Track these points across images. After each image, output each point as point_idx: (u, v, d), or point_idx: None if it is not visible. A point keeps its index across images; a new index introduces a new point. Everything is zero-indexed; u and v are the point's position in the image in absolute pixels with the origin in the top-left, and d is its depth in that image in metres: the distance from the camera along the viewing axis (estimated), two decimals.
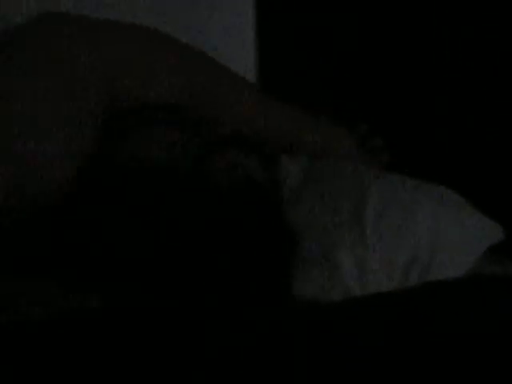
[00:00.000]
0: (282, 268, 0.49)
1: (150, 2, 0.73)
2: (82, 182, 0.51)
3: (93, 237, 0.48)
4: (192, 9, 0.76)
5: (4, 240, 0.49)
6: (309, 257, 0.55)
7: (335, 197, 0.59)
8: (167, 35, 0.59)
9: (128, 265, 0.47)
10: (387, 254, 0.58)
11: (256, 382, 0.36)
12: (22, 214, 0.49)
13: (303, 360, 0.37)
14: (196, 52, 0.60)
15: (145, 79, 0.55)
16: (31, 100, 0.50)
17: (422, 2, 0.77)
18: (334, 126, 0.68)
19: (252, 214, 0.49)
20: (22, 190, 0.49)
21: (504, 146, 0.73)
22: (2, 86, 0.49)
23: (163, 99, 0.55)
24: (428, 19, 0.75)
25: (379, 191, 0.59)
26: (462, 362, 0.35)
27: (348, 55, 0.77)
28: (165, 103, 0.54)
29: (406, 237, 0.58)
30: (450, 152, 0.74)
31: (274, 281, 0.49)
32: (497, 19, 0.73)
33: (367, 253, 0.57)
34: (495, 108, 0.73)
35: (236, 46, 0.77)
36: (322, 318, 0.41)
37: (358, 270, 0.57)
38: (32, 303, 0.44)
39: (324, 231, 0.57)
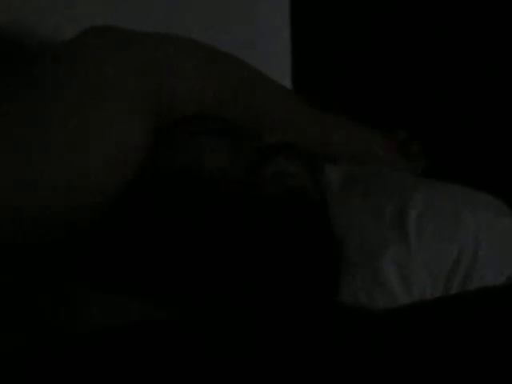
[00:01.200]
0: (330, 273, 0.50)
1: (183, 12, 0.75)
2: (131, 192, 0.52)
3: (145, 248, 0.49)
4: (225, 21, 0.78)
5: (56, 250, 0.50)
6: (352, 261, 0.56)
7: (377, 202, 0.59)
8: (212, 46, 0.60)
9: (184, 275, 0.48)
10: (430, 259, 0.58)
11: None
12: (72, 223, 0.51)
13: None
14: (238, 61, 0.60)
15: (192, 90, 0.56)
16: (81, 113, 0.51)
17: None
18: (372, 131, 0.68)
19: (300, 221, 0.49)
20: (70, 197, 0.51)
21: None
22: (53, 96, 0.51)
23: (209, 109, 0.57)
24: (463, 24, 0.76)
25: (422, 196, 0.60)
26: None
27: (385, 62, 0.78)
28: (210, 113, 0.56)
29: (450, 242, 0.58)
30: (486, 157, 0.75)
31: (323, 286, 0.49)
32: None
33: (410, 257, 0.58)
34: None
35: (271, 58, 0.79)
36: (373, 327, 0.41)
37: (402, 274, 0.58)
38: (107, 314, 0.45)
39: (367, 236, 0.58)
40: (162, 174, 0.51)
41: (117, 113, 0.52)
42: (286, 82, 0.77)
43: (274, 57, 0.78)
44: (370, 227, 0.58)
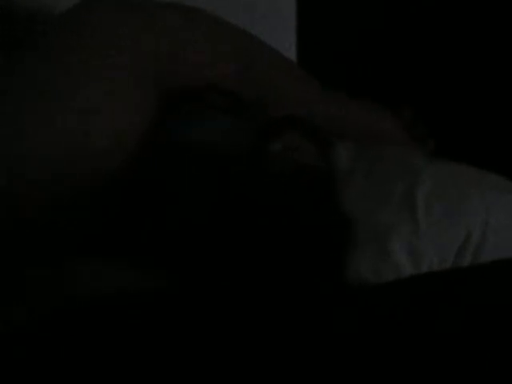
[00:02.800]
0: (337, 251, 0.49)
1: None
2: (138, 166, 0.51)
3: (152, 221, 0.49)
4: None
5: (63, 222, 0.49)
6: (360, 240, 0.55)
7: (386, 180, 0.59)
8: (220, 18, 0.59)
9: (188, 248, 0.47)
10: (439, 237, 0.58)
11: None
12: (78, 196, 0.50)
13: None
14: (248, 35, 0.59)
15: (201, 61, 0.55)
16: (90, 81, 0.49)
17: None
18: (379, 108, 0.68)
19: (308, 197, 0.49)
20: (77, 170, 0.50)
21: None
22: (59, 64, 0.50)
23: (215, 82, 0.56)
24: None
25: (430, 176, 0.59)
26: None
27: (389, 39, 0.77)
28: (217, 86, 0.55)
29: (458, 222, 0.58)
30: (495, 138, 0.74)
31: (330, 264, 0.49)
32: None
33: (419, 237, 0.57)
34: None
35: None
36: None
37: (410, 253, 0.57)
38: (107, 285, 0.45)
39: (375, 215, 0.57)
40: (169, 149, 0.50)
41: (121, 80, 0.51)
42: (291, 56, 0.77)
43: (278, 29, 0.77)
44: (379, 206, 0.57)
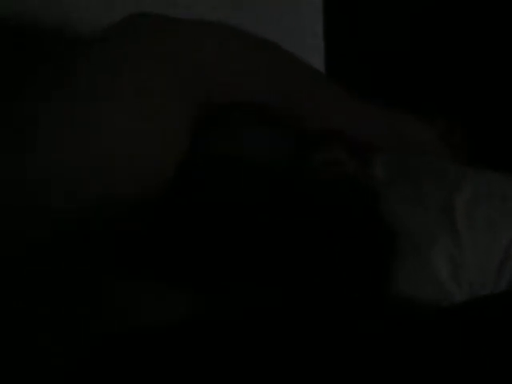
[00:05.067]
0: (385, 264, 0.49)
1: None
2: (175, 183, 0.51)
3: (192, 238, 0.48)
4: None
5: (102, 242, 0.49)
6: (401, 253, 0.54)
7: (424, 191, 0.58)
8: (253, 34, 0.59)
9: (231, 266, 0.46)
10: (480, 250, 0.57)
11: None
12: (117, 216, 0.49)
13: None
14: (283, 50, 0.59)
15: (238, 78, 0.55)
16: (131, 97, 0.48)
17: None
18: (413, 119, 0.67)
19: (353, 210, 0.48)
20: (114, 191, 0.49)
21: None
22: (103, 82, 0.49)
23: (255, 98, 0.55)
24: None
25: (470, 186, 0.58)
26: None
27: (423, 49, 0.77)
28: (256, 102, 0.54)
29: (500, 232, 0.57)
30: None
31: (376, 277, 0.48)
32: None
33: (460, 249, 0.57)
34: None
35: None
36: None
37: (451, 266, 0.56)
38: (155, 310, 0.44)
39: (414, 226, 0.56)
40: (210, 164, 0.50)
41: (166, 97, 0.50)
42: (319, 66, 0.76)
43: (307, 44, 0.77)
44: (418, 217, 0.56)
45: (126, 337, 0.40)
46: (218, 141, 0.51)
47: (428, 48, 0.75)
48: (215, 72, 0.53)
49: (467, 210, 0.56)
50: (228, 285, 0.45)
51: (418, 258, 0.54)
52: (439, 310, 0.44)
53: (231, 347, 0.38)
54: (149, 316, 0.42)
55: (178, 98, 0.51)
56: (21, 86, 0.49)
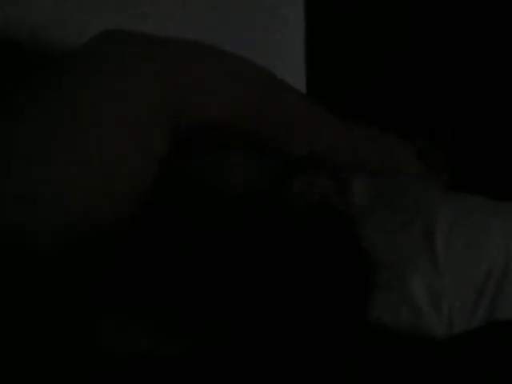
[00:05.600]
0: (364, 293, 0.48)
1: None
2: (150, 206, 0.50)
3: (171, 267, 0.47)
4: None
5: (76, 265, 0.47)
6: (379, 281, 0.54)
7: (403, 218, 0.57)
8: (231, 52, 0.58)
9: (211, 298, 0.45)
10: (460, 276, 0.56)
11: None
12: (92, 236, 0.48)
13: None
14: (261, 69, 0.58)
15: (214, 97, 0.54)
16: (104, 115, 0.47)
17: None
18: (393, 140, 0.66)
19: (332, 238, 0.47)
20: (96, 208, 0.48)
21: None
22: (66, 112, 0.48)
23: (231, 118, 0.54)
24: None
25: (449, 211, 0.58)
26: None
27: (401, 61, 0.76)
28: (231, 124, 0.53)
29: (480, 257, 0.57)
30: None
31: (356, 307, 0.47)
32: None
33: (439, 277, 0.56)
34: None
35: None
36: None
37: (430, 293, 0.56)
38: (120, 342, 0.42)
39: (392, 254, 0.56)
40: (184, 190, 0.49)
41: (136, 122, 0.49)
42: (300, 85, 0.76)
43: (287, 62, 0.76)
44: (397, 244, 0.55)
45: (120, 371, 0.39)
46: (195, 164, 0.50)
47: (408, 66, 0.75)
48: (195, 98, 0.52)
49: (446, 237, 0.56)
50: (199, 318, 0.44)
51: (396, 286, 0.54)
52: (417, 345, 0.44)
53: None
54: (111, 347, 0.41)
55: (156, 115, 0.50)
56: (9, 92, 0.48)
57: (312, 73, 0.74)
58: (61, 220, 0.45)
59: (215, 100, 0.54)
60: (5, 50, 0.61)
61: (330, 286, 0.45)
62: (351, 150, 0.61)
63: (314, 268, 0.45)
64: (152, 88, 0.51)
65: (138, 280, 0.46)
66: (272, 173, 0.50)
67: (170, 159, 0.50)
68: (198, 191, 0.48)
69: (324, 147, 0.57)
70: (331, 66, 0.78)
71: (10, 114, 0.47)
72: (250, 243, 0.45)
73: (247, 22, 0.72)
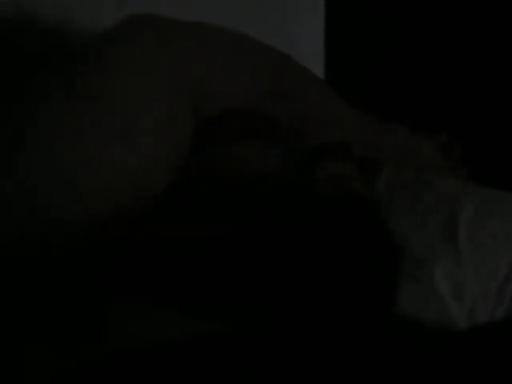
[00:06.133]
0: (388, 283, 0.48)
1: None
2: (170, 193, 0.50)
3: (191, 255, 0.46)
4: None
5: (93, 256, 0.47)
6: (404, 272, 0.53)
7: (427, 210, 0.57)
8: (253, 39, 0.57)
9: (230, 285, 0.45)
10: (482, 268, 0.56)
11: None
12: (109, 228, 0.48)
13: None
14: (282, 54, 0.57)
15: (233, 84, 0.54)
16: (133, 101, 0.48)
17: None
18: (414, 134, 0.66)
19: (358, 225, 0.47)
20: (111, 200, 0.48)
21: None
22: (101, 84, 0.48)
23: (251, 106, 0.54)
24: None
25: (471, 204, 0.57)
26: None
27: (423, 62, 0.76)
28: (255, 111, 0.53)
29: (501, 251, 0.56)
30: None
31: (381, 297, 0.47)
32: None
33: (461, 268, 0.56)
34: None
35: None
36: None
37: (453, 285, 0.55)
38: (146, 329, 0.42)
39: (417, 245, 0.56)
40: (209, 179, 0.48)
41: (159, 110, 0.49)
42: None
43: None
44: (420, 236, 0.55)
45: (116, 357, 0.39)
46: (220, 153, 0.50)
47: (430, 61, 0.74)
48: (214, 84, 0.52)
49: (470, 229, 0.55)
50: (224, 307, 0.43)
51: (419, 275, 0.53)
52: (442, 336, 0.43)
53: (223, 370, 0.37)
54: (137, 335, 0.41)
55: (177, 102, 0.50)
56: (22, 87, 0.48)
57: (331, 61, 0.74)
58: (83, 200, 0.45)
59: (235, 91, 0.54)
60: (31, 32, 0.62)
61: (358, 271, 0.45)
62: (375, 142, 0.61)
63: (341, 252, 0.45)
64: (173, 83, 0.51)
65: (162, 268, 0.46)
66: (296, 160, 0.50)
67: (198, 146, 0.50)
68: (222, 178, 0.48)
69: (348, 138, 0.57)
70: (351, 57, 0.78)
71: (38, 95, 0.47)
72: (275, 228, 0.45)
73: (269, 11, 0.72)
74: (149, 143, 0.47)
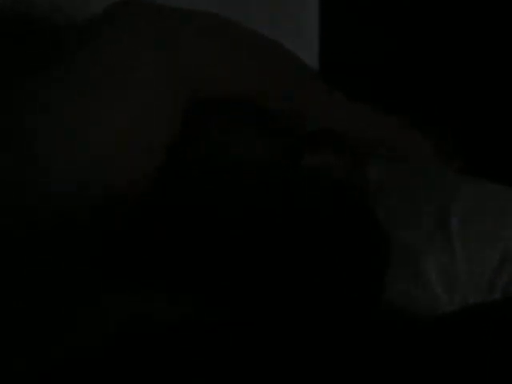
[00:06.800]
0: (378, 271, 0.47)
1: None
2: (160, 177, 0.49)
3: (177, 240, 0.46)
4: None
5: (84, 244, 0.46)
6: (394, 262, 0.53)
7: (419, 201, 0.56)
8: (246, 27, 0.57)
9: (216, 271, 0.44)
10: (474, 261, 0.55)
11: None
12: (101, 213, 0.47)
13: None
14: (274, 44, 0.57)
15: (227, 73, 0.53)
16: (126, 87, 0.47)
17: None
18: (407, 127, 0.66)
19: (347, 214, 0.47)
20: (100, 183, 0.47)
21: None
22: (99, 73, 0.47)
23: (245, 94, 0.53)
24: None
25: (464, 195, 0.57)
26: None
27: (419, 54, 0.75)
28: (247, 99, 0.52)
29: (495, 243, 0.55)
30: None
31: (368, 285, 0.47)
32: None
33: (453, 259, 0.55)
34: None
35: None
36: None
37: (444, 276, 0.55)
38: (138, 316, 0.41)
39: (407, 236, 0.55)
40: (198, 165, 0.48)
41: (146, 93, 0.48)
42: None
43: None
44: (411, 227, 0.55)
45: (124, 337, 0.38)
46: (205, 141, 0.49)
47: (425, 54, 0.74)
48: (206, 70, 0.52)
49: (462, 221, 0.55)
50: (218, 286, 0.43)
51: (409, 266, 0.53)
52: (431, 319, 0.43)
53: (226, 350, 0.36)
54: (146, 315, 0.41)
55: (169, 88, 0.50)
56: (19, 76, 0.48)
57: (325, 51, 0.73)
58: (82, 187, 0.44)
59: (227, 76, 0.53)
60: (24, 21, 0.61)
61: (344, 259, 0.44)
62: (365, 131, 0.60)
63: (325, 240, 0.44)
64: (166, 67, 0.50)
65: (143, 248, 0.45)
66: (285, 147, 0.49)
67: (184, 133, 0.49)
68: (210, 164, 0.48)
69: (337, 126, 0.56)
70: (346, 48, 0.77)
71: (35, 83, 0.47)
72: (261, 214, 0.44)
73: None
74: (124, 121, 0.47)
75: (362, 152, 0.55)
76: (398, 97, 0.75)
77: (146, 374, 0.36)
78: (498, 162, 0.72)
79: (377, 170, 0.56)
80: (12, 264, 0.42)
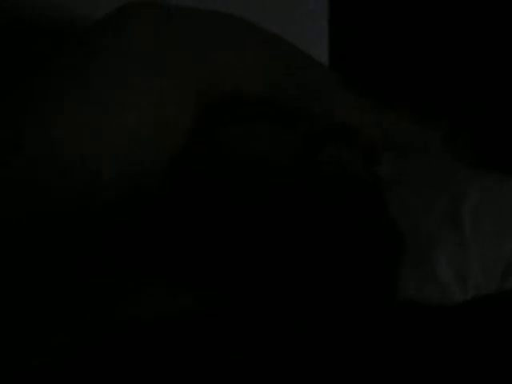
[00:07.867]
0: (393, 264, 0.47)
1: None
2: (174, 174, 0.49)
3: (191, 235, 0.46)
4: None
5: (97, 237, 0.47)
6: (407, 253, 0.53)
7: (430, 193, 0.56)
8: (256, 25, 0.57)
9: (235, 267, 0.45)
10: (486, 254, 0.56)
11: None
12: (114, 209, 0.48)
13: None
14: (286, 42, 0.58)
15: (239, 71, 0.54)
16: (139, 86, 0.47)
17: None
18: (418, 121, 0.66)
19: (360, 208, 0.47)
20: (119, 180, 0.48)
21: None
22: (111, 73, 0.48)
23: (257, 92, 0.54)
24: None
25: (477, 188, 0.57)
26: None
27: (430, 47, 0.75)
28: (260, 96, 0.53)
29: (507, 235, 0.56)
30: None
31: (383, 280, 0.47)
32: None
33: (465, 253, 0.55)
34: None
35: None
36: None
37: (455, 270, 0.55)
38: (140, 305, 0.42)
39: (419, 228, 0.55)
40: (211, 160, 0.48)
41: (160, 90, 0.49)
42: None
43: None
44: (423, 219, 0.55)
45: (128, 329, 0.39)
46: (221, 136, 0.50)
47: (435, 47, 0.74)
48: (218, 62, 0.52)
49: (474, 214, 0.55)
50: (230, 282, 0.43)
51: (421, 260, 0.53)
52: (443, 309, 0.43)
53: (231, 341, 0.37)
54: (148, 308, 0.41)
55: (181, 86, 0.50)
56: (33, 75, 0.48)
57: (335, 46, 0.74)
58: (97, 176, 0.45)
59: (242, 73, 0.53)
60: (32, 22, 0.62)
61: (358, 256, 0.45)
62: (375, 125, 0.61)
63: (340, 237, 0.45)
64: (179, 64, 0.51)
65: (149, 241, 0.45)
66: (300, 143, 0.49)
67: (199, 130, 0.50)
68: (225, 160, 0.48)
69: (350, 120, 0.57)
70: (356, 42, 0.77)
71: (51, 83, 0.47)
72: (277, 210, 0.45)
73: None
74: (150, 120, 0.47)
75: (373, 146, 0.55)
76: (408, 90, 0.75)
77: (146, 369, 0.36)
78: (510, 154, 0.72)
79: (388, 165, 0.56)
80: (23, 255, 0.42)
